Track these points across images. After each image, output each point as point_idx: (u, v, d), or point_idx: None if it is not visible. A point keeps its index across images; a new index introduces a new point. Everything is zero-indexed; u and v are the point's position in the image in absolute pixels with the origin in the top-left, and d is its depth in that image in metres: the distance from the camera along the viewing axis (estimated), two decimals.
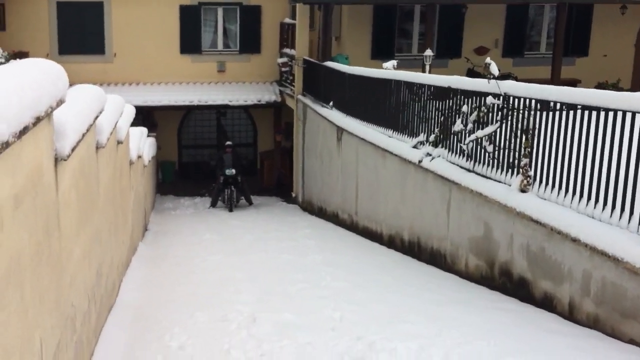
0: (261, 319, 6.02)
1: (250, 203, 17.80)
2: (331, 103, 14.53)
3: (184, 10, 20.45)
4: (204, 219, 15.35)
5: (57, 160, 3.80)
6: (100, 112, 5.40)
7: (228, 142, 18.51)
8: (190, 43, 20.70)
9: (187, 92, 20.18)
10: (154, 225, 13.68)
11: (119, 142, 7.48)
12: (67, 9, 19.69)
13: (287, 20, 19.96)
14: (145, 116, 19.37)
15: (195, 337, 5.61)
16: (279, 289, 7.36)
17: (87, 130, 4.63)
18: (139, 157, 10.75)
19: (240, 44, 21.12)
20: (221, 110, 21.48)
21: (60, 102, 3.62)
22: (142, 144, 11.37)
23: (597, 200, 5.84)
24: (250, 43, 21.08)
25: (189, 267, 8.86)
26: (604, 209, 5.74)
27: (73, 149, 4.01)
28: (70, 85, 4.16)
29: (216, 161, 18.30)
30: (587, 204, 5.95)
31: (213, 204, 17.66)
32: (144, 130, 12.38)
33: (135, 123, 9.89)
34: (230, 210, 16.68)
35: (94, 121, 5.12)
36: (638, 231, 5.32)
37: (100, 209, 5.72)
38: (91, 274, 5.08)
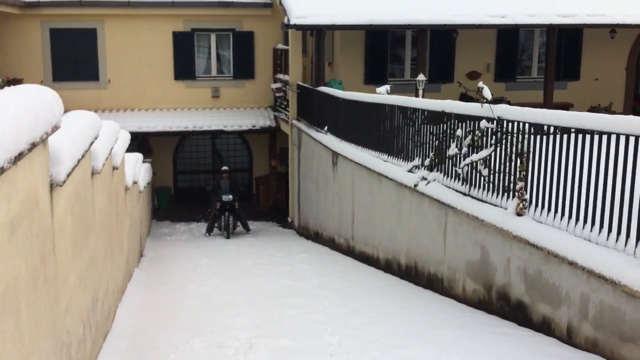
0: (258, 345, 5.97)
1: (247, 230, 17.29)
2: (326, 128, 14.58)
3: (177, 37, 20.58)
4: (199, 244, 15.28)
5: (53, 185, 3.79)
6: (96, 138, 5.41)
7: (224, 167, 17.88)
8: (184, 69, 20.81)
9: (181, 118, 20.24)
10: (149, 251, 13.61)
11: (115, 168, 7.47)
12: (61, 36, 19.80)
13: (280, 45, 20.11)
14: (140, 142, 19.40)
15: None
16: (276, 314, 7.31)
17: (83, 156, 4.63)
18: (135, 182, 10.74)
19: (234, 69, 21.25)
20: (216, 135, 21.53)
21: (55, 128, 3.62)
22: (137, 169, 11.37)
23: (593, 223, 5.85)
24: (244, 69, 21.21)
25: (186, 293, 8.80)
26: (600, 231, 5.74)
27: (68, 175, 4.01)
28: (65, 111, 4.16)
29: (213, 186, 17.92)
30: (583, 227, 5.95)
31: (209, 231, 17.15)
32: (139, 156, 12.38)
33: (130, 149, 9.90)
34: (228, 237, 16.29)
35: (90, 147, 5.12)
36: (635, 254, 5.31)
37: (96, 235, 5.69)
38: (87, 300, 5.04)
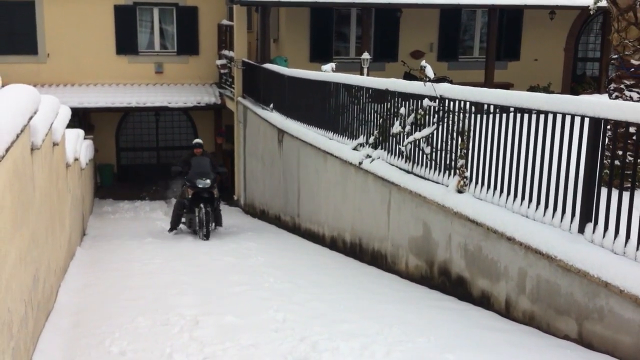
0: (204, 322, 5.98)
1: (220, 224, 13.13)
2: (271, 105, 14.55)
3: (119, 10, 20.14)
4: (143, 222, 15.12)
5: None
6: (35, 113, 5.28)
7: (197, 140, 13.73)
8: (126, 43, 20.41)
9: (124, 94, 19.88)
10: (92, 230, 13.41)
11: (55, 144, 7.32)
12: None
13: (225, 21, 19.89)
14: (81, 118, 18.99)
15: (136, 342, 5.54)
16: (222, 291, 7.33)
17: (22, 131, 4.52)
18: (76, 159, 10.52)
19: (177, 45, 20.95)
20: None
21: None
22: (78, 146, 11.14)
23: (530, 200, 6.03)
24: (187, 44, 20.92)
25: (130, 272, 8.72)
26: (537, 208, 5.93)
27: (7, 150, 3.92)
28: (2, 85, 4.06)
29: (180, 165, 13.08)
30: (521, 204, 6.14)
31: (173, 226, 12.97)
32: (80, 132, 12.13)
33: (71, 125, 9.70)
34: (206, 237, 11.92)
35: (29, 122, 5.00)
36: (570, 229, 5.52)
37: (36, 212, 5.58)
38: (28, 279, 4.96)
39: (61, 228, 7.76)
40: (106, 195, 19.60)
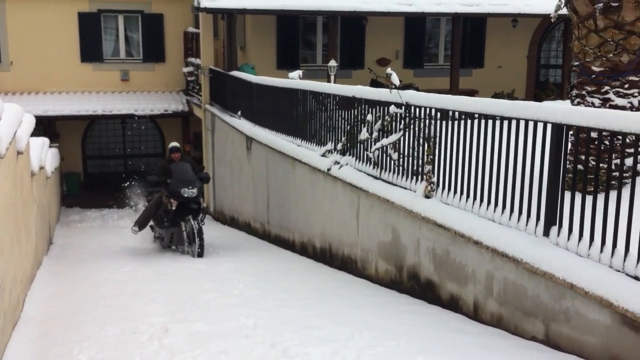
0: (173, 330, 5.96)
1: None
2: (239, 112, 14.54)
3: (83, 18, 19.97)
4: (112, 230, 14.96)
5: None
6: None
7: (174, 144, 12.02)
8: (90, 51, 20.23)
9: (90, 102, 19.70)
10: (59, 238, 13.25)
11: (19, 153, 7.24)
12: None
13: (191, 29, 19.85)
14: (46, 126, 18.77)
15: (105, 351, 5.49)
16: (192, 299, 7.30)
17: None
18: (41, 168, 10.40)
19: (143, 52, 20.84)
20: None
21: None
22: (44, 154, 11.02)
23: (496, 204, 6.14)
24: (154, 52, 20.82)
25: (98, 280, 8.63)
26: (503, 212, 6.04)
27: None
28: None
29: (158, 175, 11.39)
30: (487, 208, 6.24)
31: (140, 226, 11.68)
32: (45, 140, 11.99)
33: (35, 133, 9.59)
34: (201, 253, 10.39)
35: None
36: (535, 233, 5.63)
37: (1, 222, 5.52)
38: None
39: (27, 237, 7.66)
40: (73, 203, 19.36)
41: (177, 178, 10.94)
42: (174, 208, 10.83)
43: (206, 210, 11.48)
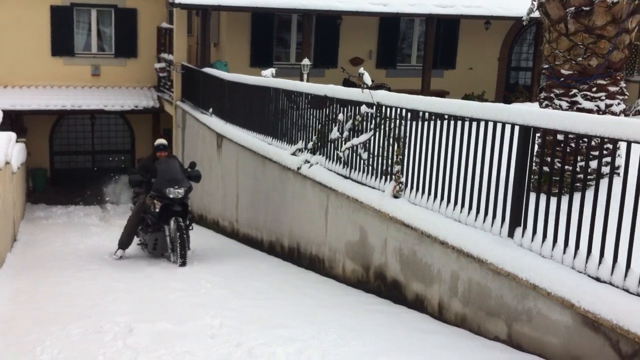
0: (138, 329, 5.90)
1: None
2: (210, 110, 14.46)
3: (55, 11, 19.68)
4: (77, 228, 14.77)
5: None
6: None
7: (161, 141, 10.95)
8: (62, 45, 19.95)
9: (59, 96, 19.40)
10: (23, 235, 13.04)
11: None
12: None
13: (165, 24, 19.68)
14: (13, 120, 18.47)
15: (68, 350, 5.42)
16: (157, 298, 7.24)
17: None
18: (7, 163, 10.24)
19: (115, 47, 20.60)
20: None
21: None
22: (10, 149, 10.85)
23: (462, 205, 6.17)
24: (126, 47, 20.60)
25: (62, 278, 8.52)
26: (469, 213, 6.07)
27: None
28: None
29: (141, 173, 10.35)
30: (453, 209, 6.27)
31: (122, 246, 10.44)
32: (12, 135, 11.81)
33: (2, 128, 9.45)
34: (183, 263, 9.34)
35: None
36: (500, 233, 5.67)
37: None
38: None
39: None
40: (39, 200, 19.08)
41: (162, 177, 9.88)
42: (157, 210, 9.84)
43: (191, 215, 10.45)
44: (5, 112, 9.98)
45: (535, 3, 7.61)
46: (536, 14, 7.76)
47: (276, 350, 5.29)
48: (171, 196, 9.74)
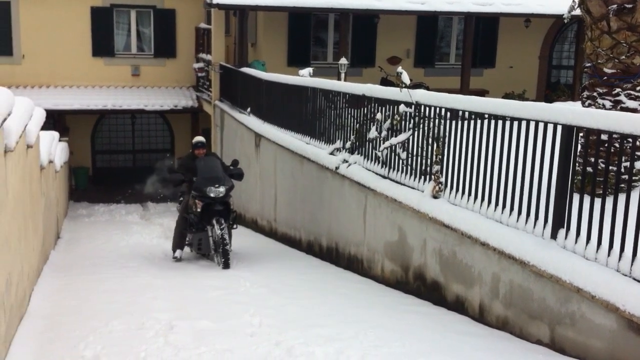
0: (179, 327, 5.96)
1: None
2: (249, 109, 14.54)
3: (95, 12, 20.01)
4: (119, 226, 15.00)
5: None
6: (8, 115, 5.24)
7: (199, 139, 10.76)
8: (102, 45, 20.27)
9: (100, 96, 19.73)
10: (66, 233, 13.29)
11: (29, 146, 7.26)
12: None
13: (203, 25, 19.86)
14: (56, 120, 18.82)
15: (110, 346, 5.50)
16: (197, 296, 7.31)
17: None
18: (50, 162, 10.43)
19: (154, 47, 20.86)
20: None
21: None
22: (53, 148, 11.05)
23: (504, 206, 6.10)
24: (165, 47, 20.84)
25: (104, 275, 8.65)
26: (510, 214, 6.00)
27: None
28: None
29: (180, 168, 10.35)
30: (495, 210, 6.20)
31: (177, 247, 10.23)
32: (55, 134, 12.02)
33: (45, 127, 9.61)
34: (225, 265, 9.08)
35: (2, 124, 4.96)
36: (542, 235, 5.59)
37: (9, 215, 5.53)
38: (0, 282, 4.91)
39: (35, 231, 7.68)
40: (81, 198, 19.42)
41: (202, 175, 9.67)
42: (198, 210, 9.64)
43: (235, 213, 10.06)
44: (48, 112, 10.16)
45: (577, 0, 7.49)
46: (577, 12, 7.63)
47: (315, 350, 5.30)
48: (212, 195, 9.53)
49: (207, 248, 9.73)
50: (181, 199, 10.95)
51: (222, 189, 9.58)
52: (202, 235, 9.81)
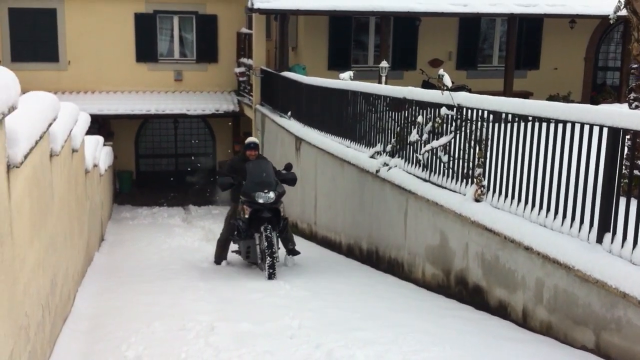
0: (220, 328, 6.00)
1: (293, 251, 9.57)
2: (289, 113, 14.59)
3: (139, 18, 20.32)
4: (161, 229, 15.19)
5: (10, 167, 3.75)
6: (54, 120, 5.35)
7: (252, 139, 10.22)
8: (146, 51, 20.57)
9: (143, 101, 20.03)
10: (111, 235, 13.51)
11: (74, 151, 7.40)
12: (20, 15, 19.38)
13: (244, 29, 20.01)
14: (101, 125, 19.15)
15: (152, 347, 5.56)
16: (238, 298, 7.34)
17: (41, 138, 4.58)
18: (95, 165, 10.63)
19: (197, 52, 21.09)
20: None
21: (12, 109, 3.59)
22: (98, 152, 11.26)
23: (548, 209, 5.98)
24: (207, 52, 21.06)
25: (147, 277, 8.77)
26: (555, 217, 5.88)
27: (26, 156, 3.97)
28: (24, 92, 4.12)
29: (227, 170, 9.92)
30: (538, 213, 6.09)
31: (218, 258, 10.01)
32: (99, 139, 12.25)
33: (90, 132, 9.80)
34: (271, 275, 8.50)
35: (48, 128, 5.07)
36: (588, 239, 5.46)
37: (55, 218, 5.64)
38: (45, 283, 5.01)
39: (79, 233, 7.82)
40: (125, 201, 19.74)
41: (252, 180, 9.11)
42: (246, 216, 9.09)
43: (286, 221, 9.44)
44: (93, 117, 10.35)
45: (622, 1, 7.32)
46: (623, 12, 7.46)
47: (355, 353, 5.27)
48: (260, 201, 8.97)
49: (255, 257, 9.21)
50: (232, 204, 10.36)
51: (271, 195, 9.03)
52: (251, 243, 9.25)
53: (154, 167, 22.03)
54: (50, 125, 5.14)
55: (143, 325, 6.13)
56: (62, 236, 6.07)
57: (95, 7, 19.87)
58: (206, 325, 6.09)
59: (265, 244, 8.68)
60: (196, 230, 14.67)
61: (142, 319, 6.38)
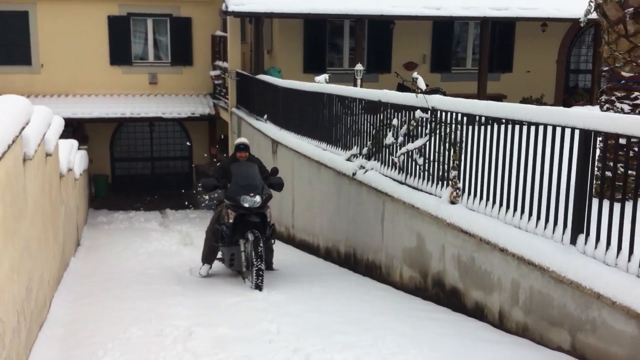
0: (197, 333, 5.97)
1: (269, 268, 9.01)
2: (265, 116, 14.59)
3: (113, 21, 20.20)
4: (138, 233, 15.08)
5: None
6: (27, 124, 5.30)
7: (242, 140, 9.52)
8: (120, 54, 20.45)
9: (118, 104, 19.92)
10: (86, 240, 13.38)
11: (48, 155, 7.33)
12: None
13: (219, 32, 19.97)
14: (75, 129, 19.01)
15: (129, 353, 5.52)
16: (216, 303, 7.32)
17: (13, 142, 4.54)
18: (70, 170, 10.53)
19: (171, 55, 21.02)
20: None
21: None
22: (72, 156, 11.15)
23: (522, 211, 6.06)
24: (181, 55, 20.99)
25: (124, 282, 8.69)
26: (529, 219, 5.96)
27: None
28: None
29: (216, 177, 9.02)
30: (513, 215, 6.16)
31: (206, 261, 9.30)
32: (74, 142, 12.14)
33: (64, 135, 9.71)
34: (257, 286, 7.95)
35: (21, 132, 5.02)
36: (562, 240, 5.54)
37: (29, 223, 5.58)
38: (20, 289, 4.95)
39: (55, 238, 7.75)
40: (100, 205, 19.57)
41: (237, 182, 8.58)
42: (231, 221, 8.57)
43: (273, 227, 8.91)
44: (67, 120, 10.27)
45: (593, 4, 7.44)
46: (594, 15, 7.58)
47: (334, 357, 5.29)
48: (246, 205, 8.43)
49: (240, 264, 8.69)
50: (214, 208, 10.23)
51: (257, 199, 8.46)
52: (235, 250, 8.71)
53: (129, 170, 21.88)
54: (23, 129, 5.10)
55: (120, 331, 6.08)
56: (36, 241, 6.01)
57: (67, 9, 19.70)
58: (184, 330, 6.07)
59: (251, 251, 8.18)
60: (173, 235, 14.58)
61: (119, 324, 6.33)
